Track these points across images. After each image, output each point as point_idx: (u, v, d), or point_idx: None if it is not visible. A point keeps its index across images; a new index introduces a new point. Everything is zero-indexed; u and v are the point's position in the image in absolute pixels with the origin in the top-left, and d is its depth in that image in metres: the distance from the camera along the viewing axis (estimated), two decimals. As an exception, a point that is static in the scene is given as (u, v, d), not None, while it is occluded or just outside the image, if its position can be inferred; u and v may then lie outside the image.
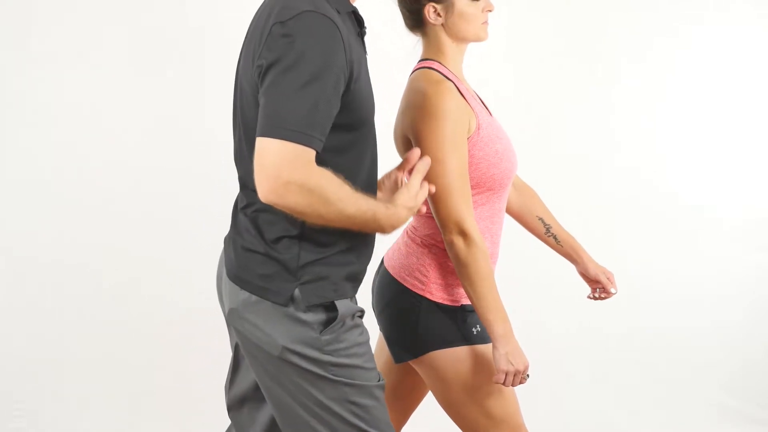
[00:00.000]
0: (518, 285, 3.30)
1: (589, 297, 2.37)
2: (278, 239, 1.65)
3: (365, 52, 1.77)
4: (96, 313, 3.55)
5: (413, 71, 2.06)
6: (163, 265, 3.60)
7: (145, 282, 3.59)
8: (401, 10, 2.07)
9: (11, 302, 3.52)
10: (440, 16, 2.02)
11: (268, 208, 1.65)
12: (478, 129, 1.97)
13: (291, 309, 1.64)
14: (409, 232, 2.12)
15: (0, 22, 3.52)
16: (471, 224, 1.91)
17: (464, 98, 1.97)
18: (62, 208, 3.56)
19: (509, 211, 2.30)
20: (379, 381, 1.74)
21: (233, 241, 1.73)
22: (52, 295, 3.54)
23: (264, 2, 1.72)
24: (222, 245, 1.85)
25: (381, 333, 2.15)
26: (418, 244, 2.07)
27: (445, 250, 2.01)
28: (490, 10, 2.04)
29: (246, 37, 1.74)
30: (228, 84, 2.43)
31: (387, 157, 2.09)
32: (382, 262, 2.17)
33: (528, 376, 1.97)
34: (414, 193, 1.70)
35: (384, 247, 2.15)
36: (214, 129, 3.56)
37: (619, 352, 3.86)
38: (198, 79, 3.64)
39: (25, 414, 3.40)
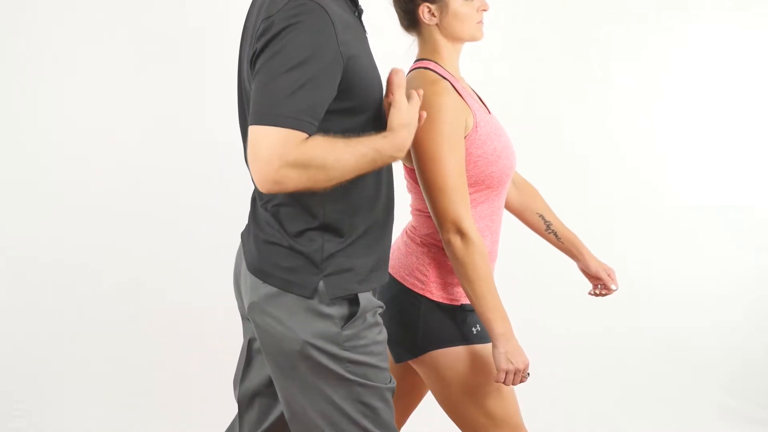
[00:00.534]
0: (518, 283, 3.30)
1: (590, 293, 2.37)
2: (301, 232, 1.65)
3: (365, 31, 1.74)
4: (96, 313, 3.55)
5: (409, 71, 2.06)
6: (163, 265, 3.60)
7: (145, 282, 3.59)
8: (396, 11, 2.07)
9: (11, 302, 3.52)
10: (435, 17, 2.01)
11: (288, 203, 1.65)
12: (476, 127, 1.97)
13: (314, 302, 1.64)
14: (409, 232, 2.12)
15: (0, 22, 3.53)
16: (468, 223, 1.91)
17: (461, 97, 1.97)
18: (62, 208, 3.56)
19: (509, 208, 2.31)
20: (390, 383, 1.74)
21: (254, 236, 1.72)
22: (51, 295, 3.54)
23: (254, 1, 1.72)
24: (221, 245, 1.86)
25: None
26: (417, 243, 2.07)
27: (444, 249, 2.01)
28: (485, 10, 2.04)
29: (243, 33, 1.74)
30: (228, 84, 2.44)
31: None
32: (381, 261, 2.17)
33: (528, 374, 1.97)
34: (404, 108, 1.65)
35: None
36: (214, 129, 3.57)
37: (619, 351, 3.86)
38: (198, 79, 3.64)
39: (25, 414, 3.40)
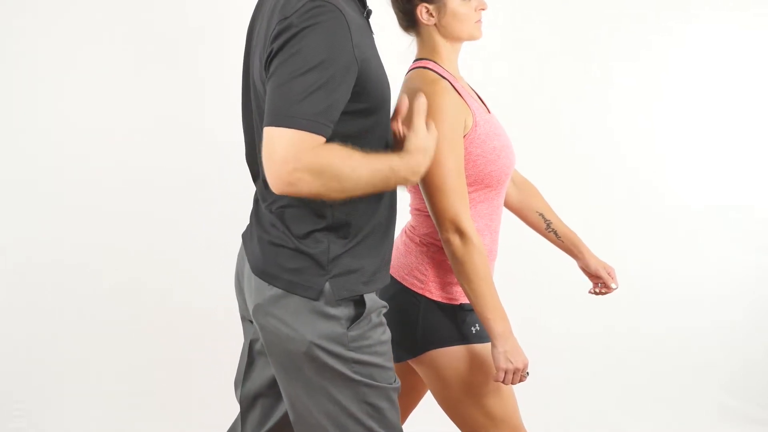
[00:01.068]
0: (517, 283, 3.29)
1: (590, 292, 2.37)
2: (307, 234, 1.65)
3: (372, 32, 1.75)
4: (96, 313, 3.55)
5: (408, 71, 2.06)
6: (163, 265, 3.60)
7: (145, 282, 3.59)
8: (395, 11, 2.07)
9: (11, 302, 3.52)
10: (433, 17, 2.01)
11: (294, 204, 1.64)
12: (475, 126, 1.97)
13: (320, 303, 1.64)
14: (408, 232, 2.12)
15: None
16: (467, 223, 1.91)
17: (461, 96, 1.97)
18: (62, 208, 3.56)
19: (509, 206, 2.31)
20: (395, 383, 1.74)
21: (258, 238, 1.71)
22: (51, 296, 3.54)
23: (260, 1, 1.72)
24: (221, 245, 1.86)
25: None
26: (416, 243, 2.07)
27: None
28: (483, 9, 2.04)
29: (251, 34, 1.73)
30: (228, 84, 2.44)
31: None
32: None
33: (527, 374, 1.97)
34: (422, 133, 1.66)
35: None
36: (214, 129, 3.57)
37: (619, 351, 3.85)
38: (198, 79, 3.64)
39: (25, 414, 3.40)
